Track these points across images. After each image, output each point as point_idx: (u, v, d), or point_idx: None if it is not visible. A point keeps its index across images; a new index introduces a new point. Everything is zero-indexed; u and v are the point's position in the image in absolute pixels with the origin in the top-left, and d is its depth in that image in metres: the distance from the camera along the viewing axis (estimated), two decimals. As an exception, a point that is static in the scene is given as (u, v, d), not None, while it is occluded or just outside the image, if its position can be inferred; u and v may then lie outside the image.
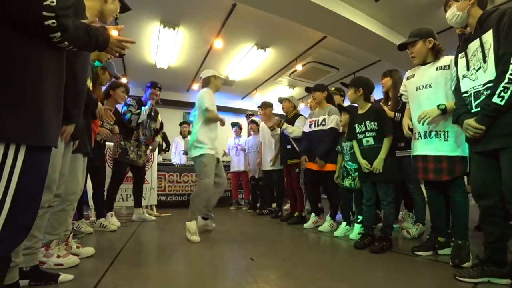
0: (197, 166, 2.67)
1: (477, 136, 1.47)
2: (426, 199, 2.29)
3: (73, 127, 1.47)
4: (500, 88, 1.34)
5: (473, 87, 1.54)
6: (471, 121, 1.47)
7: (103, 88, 2.70)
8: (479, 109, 1.48)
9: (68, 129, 1.44)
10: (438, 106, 1.88)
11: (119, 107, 3.34)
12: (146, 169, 4.00)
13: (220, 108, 4.21)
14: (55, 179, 1.27)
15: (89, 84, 1.86)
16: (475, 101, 1.52)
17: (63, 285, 1.45)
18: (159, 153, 5.17)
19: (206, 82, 2.87)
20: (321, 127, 3.09)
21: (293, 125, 3.55)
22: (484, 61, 1.48)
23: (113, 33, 1.20)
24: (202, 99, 2.73)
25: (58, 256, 1.69)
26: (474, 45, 1.56)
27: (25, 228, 0.97)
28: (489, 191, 1.49)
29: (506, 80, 1.33)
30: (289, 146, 3.58)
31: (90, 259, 1.93)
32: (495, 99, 1.35)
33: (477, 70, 1.53)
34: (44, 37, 0.91)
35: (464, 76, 1.62)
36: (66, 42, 0.97)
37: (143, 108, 3.44)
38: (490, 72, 1.44)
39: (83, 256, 1.91)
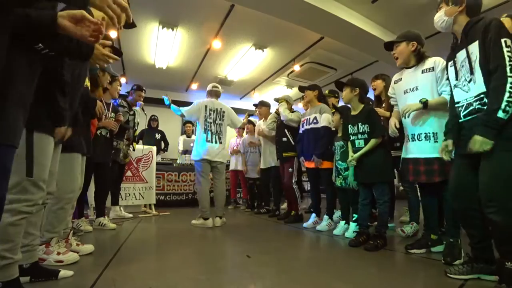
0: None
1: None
2: (420, 198, 2.32)
3: (66, 129, 1.50)
4: (505, 103, 1.29)
5: (466, 99, 1.54)
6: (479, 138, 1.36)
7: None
8: (467, 118, 1.50)
9: (62, 131, 1.46)
10: (420, 100, 1.91)
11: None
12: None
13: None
14: (43, 177, 1.27)
15: (87, 83, 1.89)
16: (464, 111, 1.53)
17: (63, 281, 1.47)
18: (157, 153, 5.20)
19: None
20: (312, 125, 3.12)
21: None
22: (472, 72, 1.48)
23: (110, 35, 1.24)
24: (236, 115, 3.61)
25: (58, 253, 1.71)
26: (462, 54, 1.55)
27: None
28: (464, 194, 1.51)
29: (508, 94, 1.29)
30: (284, 139, 3.61)
31: (89, 256, 1.95)
32: (501, 114, 1.29)
33: (468, 82, 1.51)
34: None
35: (455, 86, 1.61)
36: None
37: (134, 109, 3.61)
38: (478, 84, 1.45)
39: (83, 253, 1.93)
